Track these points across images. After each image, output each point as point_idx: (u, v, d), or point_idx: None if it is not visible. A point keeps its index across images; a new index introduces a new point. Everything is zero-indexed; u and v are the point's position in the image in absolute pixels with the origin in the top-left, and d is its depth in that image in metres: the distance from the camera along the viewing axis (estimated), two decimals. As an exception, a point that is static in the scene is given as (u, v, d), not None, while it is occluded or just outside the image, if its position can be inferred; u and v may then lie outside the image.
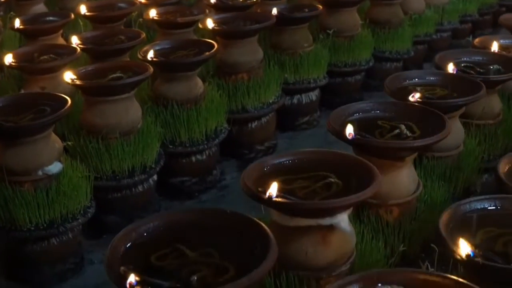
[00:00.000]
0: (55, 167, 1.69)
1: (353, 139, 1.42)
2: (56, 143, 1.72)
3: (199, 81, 2.10)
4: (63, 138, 1.84)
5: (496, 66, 1.91)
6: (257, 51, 2.29)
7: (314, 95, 2.51)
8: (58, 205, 1.68)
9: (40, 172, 1.68)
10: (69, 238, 1.75)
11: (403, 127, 1.50)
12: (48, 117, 1.63)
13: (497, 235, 1.15)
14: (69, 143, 1.85)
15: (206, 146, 2.08)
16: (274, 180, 1.25)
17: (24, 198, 1.65)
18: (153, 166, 1.93)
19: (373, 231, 1.45)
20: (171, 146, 2.06)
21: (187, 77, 2.06)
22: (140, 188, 1.94)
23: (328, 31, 2.54)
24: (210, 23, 2.22)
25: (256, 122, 2.28)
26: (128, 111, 1.88)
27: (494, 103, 1.92)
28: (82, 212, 1.74)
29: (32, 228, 1.67)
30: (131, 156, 1.88)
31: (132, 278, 1.00)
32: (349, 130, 1.44)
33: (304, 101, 2.49)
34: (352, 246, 1.31)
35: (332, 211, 1.22)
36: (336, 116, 1.53)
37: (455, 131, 1.72)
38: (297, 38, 2.44)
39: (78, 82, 1.83)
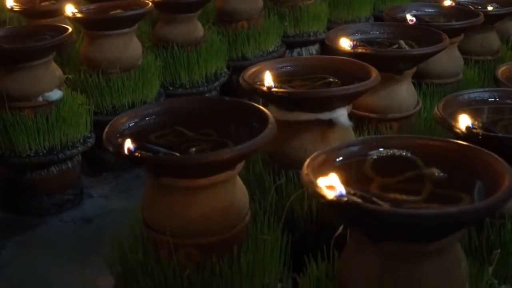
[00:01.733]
0: (55, 94, 1.70)
1: (352, 48, 1.43)
2: (56, 71, 1.72)
3: (199, 25, 2.11)
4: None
5: (494, 4, 1.93)
6: (257, -1, 2.30)
7: (314, 49, 2.51)
8: (58, 131, 1.69)
9: (40, 98, 1.68)
10: (69, 167, 1.75)
11: (402, 42, 1.51)
12: (48, 41, 1.64)
13: (496, 120, 1.15)
14: (70, 76, 1.85)
15: (206, 89, 2.08)
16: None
17: (24, 123, 1.65)
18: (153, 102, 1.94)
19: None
20: (171, 88, 2.06)
21: (187, 19, 2.07)
22: (140, 125, 1.94)
23: (327, -14, 2.56)
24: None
25: (256, 71, 2.28)
26: (128, 47, 1.88)
27: (493, 39, 1.93)
28: (82, 141, 1.74)
29: (32, 155, 1.67)
30: (131, 91, 1.88)
31: (130, 144, 0.99)
32: (348, 42, 1.44)
33: (304, 55, 2.49)
34: (352, 145, 1.30)
35: (331, 103, 1.22)
36: (334, 33, 1.54)
37: (454, 59, 1.74)
38: (297, -9, 2.46)
39: (79, 15, 1.83)
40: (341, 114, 1.24)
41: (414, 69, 1.50)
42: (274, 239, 1.14)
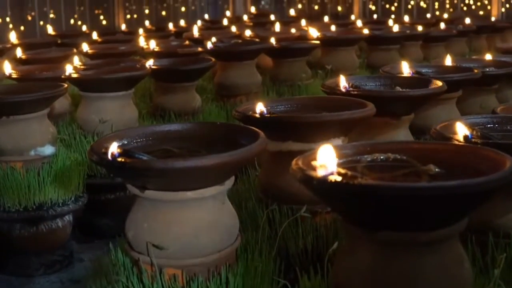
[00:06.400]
0: (48, 149, 1.67)
1: (347, 91, 1.41)
2: (50, 127, 1.70)
3: (196, 95, 2.12)
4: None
5: (492, 68, 1.94)
6: (255, 75, 2.32)
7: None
8: (49, 188, 1.64)
9: (32, 153, 1.65)
10: (59, 226, 1.69)
11: (398, 87, 1.50)
12: (41, 93, 1.62)
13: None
14: (64, 137, 1.83)
15: (203, 158, 2.05)
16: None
17: (15, 178, 1.61)
18: (149, 167, 1.90)
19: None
20: (167, 156, 2.03)
21: (185, 89, 2.07)
22: (135, 189, 1.89)
23: (326, 66, 2.58)
24: (209, 44, 2.26)
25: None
26: (124, 110, 1.86)
27: (492, 102, 1.91)
28: (73, 199, 1.69)
29: (21, 210, 1.62)
30: (127, 154, 1.84)
31: (115, 149, 0.96)
32: (343, 83, 1.43)
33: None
34: (348, 180, 1.26)
35: (325, 131, 1.19)
36: (332, 83, 1.53)
37: (452, 115, 1.71)
38: (296, 70, 2.48)
39: (74, 76, 1.83)
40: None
41: (411, 116, 1.47)
42: (266, 266, 1.07)
